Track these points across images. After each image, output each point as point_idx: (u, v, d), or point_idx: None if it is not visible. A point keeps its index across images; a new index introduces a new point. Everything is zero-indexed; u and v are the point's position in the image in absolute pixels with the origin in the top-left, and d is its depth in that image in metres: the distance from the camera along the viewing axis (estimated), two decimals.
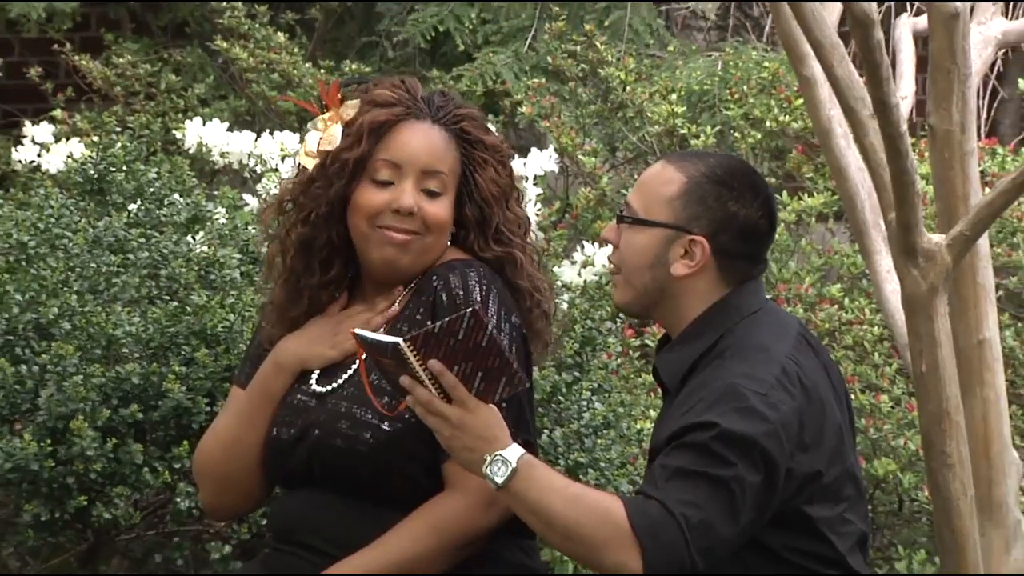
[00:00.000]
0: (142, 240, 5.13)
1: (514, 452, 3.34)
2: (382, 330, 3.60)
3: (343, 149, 3.70)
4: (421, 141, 3.69)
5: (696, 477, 3.39)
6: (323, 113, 3.77)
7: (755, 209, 3.71)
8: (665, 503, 3.36)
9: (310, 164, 3.73)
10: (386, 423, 3.58)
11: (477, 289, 3.61)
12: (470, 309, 3.34)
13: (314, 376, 3.71)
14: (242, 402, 3.76)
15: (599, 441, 4.99)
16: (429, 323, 3.44)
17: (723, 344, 3.60)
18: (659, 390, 3.86)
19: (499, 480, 3.33)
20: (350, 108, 3.73)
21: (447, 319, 3.31)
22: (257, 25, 7.61)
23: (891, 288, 5.41)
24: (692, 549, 3.36)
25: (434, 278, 3.65)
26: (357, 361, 3.60)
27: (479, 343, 3.30)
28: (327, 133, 3.73)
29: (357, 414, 3.62)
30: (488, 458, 3.33)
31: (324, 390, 3.69)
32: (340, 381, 3.69)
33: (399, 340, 3.28)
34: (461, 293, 3.60)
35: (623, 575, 3.36)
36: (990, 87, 7.44)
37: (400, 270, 3.69)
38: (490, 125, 3.83)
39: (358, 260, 3.74)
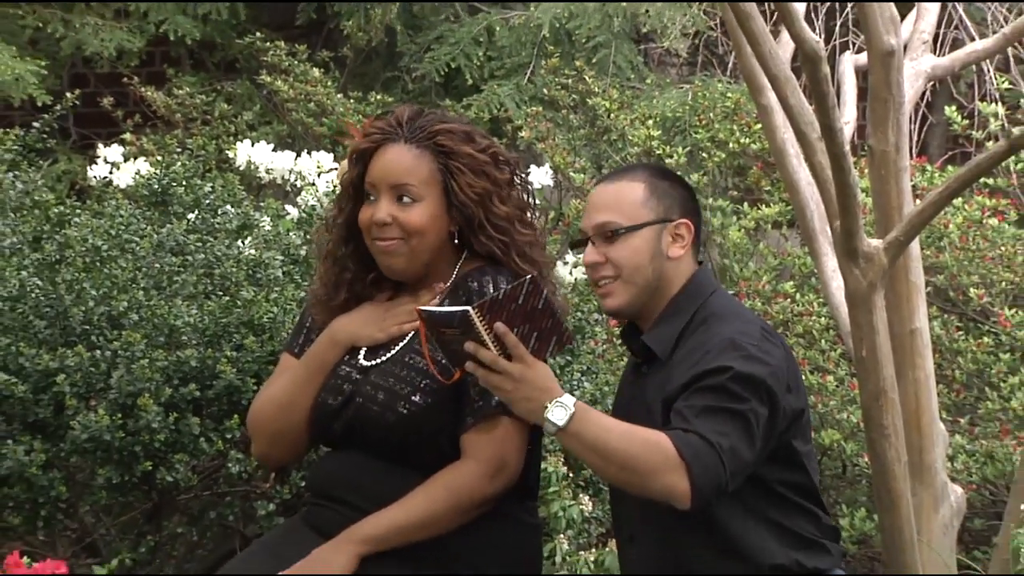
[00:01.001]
0: (199, 244, 5.15)
1: (570, 398, 3.34)
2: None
3: (345, 176, 3.77)
4: (390, 160, 3.70)
5: (721, 412, 3.45)
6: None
7: (687, 189, 3.84)
8: (702, 434, 3.39)
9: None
10: (418, 396, 3.60)
11: (505, 284, 3.60)
12: (529, 276, 3.36)
13: (362, 352, 3.73)
14: (298, 369, 3.78)
15: None
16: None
17: (701, 315, 3.66)
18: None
19: (560, 423, 3.33)
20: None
21: (509, 286, 3.36)
22: (296, 62, 7.62)
23: (836, 285, 5.44)
24: (727, 471, 3.41)
25: (469, 279, 3.68)
26: (402, 342, 3.67)
27: (536, 307, 3.32)
28: (342, 164, 3.79)
29: (395, 388, 3.65)
30: (549, 405, 3.32)
31: (369, 364, 3.71)
32: (384, 358, 3.71)
33: (468, 308, 3.28)
34: (490, 288, 3.63)
35: (673, 495, 3.38)
36: (920, 114, 7.44)
37: (399, 272, 3.72)
38: (480, 137, 3.80)
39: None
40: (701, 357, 3.54)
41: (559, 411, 3.33)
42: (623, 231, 3.68)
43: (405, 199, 3.68)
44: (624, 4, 7.91)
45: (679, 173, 4.18)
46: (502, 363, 3.31)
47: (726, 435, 3.42)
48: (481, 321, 3.27)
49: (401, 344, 3.69)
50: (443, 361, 3.41)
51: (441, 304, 3.62)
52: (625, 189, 3.73)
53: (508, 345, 3.30)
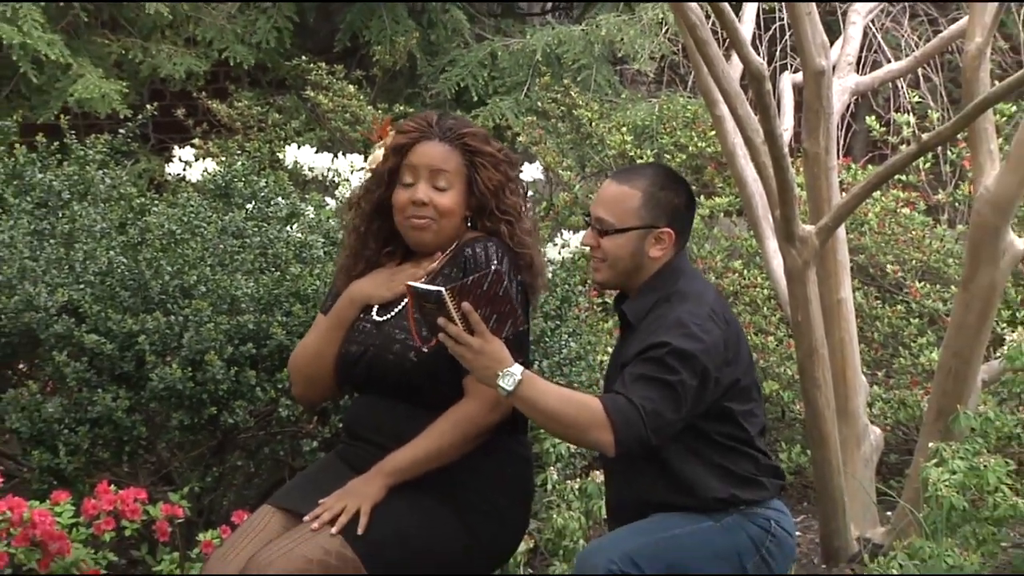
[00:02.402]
0: (255, 229, 5.13)
1: (518, 368, 3.41)
2: (423, 280, 3.63)
3: (380, 165, 3.77)
4: (430, 151, 3.71)
5: (653, 380, 3.47)
6: (379, 137, 3.83)
7: (685, 194, 3.79)
8: (629, 397, 3.44)
9: (369, 173, 3.81)
10: (425, 347, 3.59)
11: (495, 255, 3.65)
12: (494, 268, 3.45)
13: (375, 309, 3.74)
14: (323, 324, 3.81)
15: (573, 369, 5.02)
16: (464, 277, 3.51)
17: (669, 292, 3.66)
18: (615, 332, 3.91)
19: (509, 388, 3.40)
20: (391, 137, 3.79)
21: (477, 275, 3.40)
22: (335, 80, 7.61)
23: (777, 263, 5.45)
24: (648, 429, 3.43)
25: (466, 248, 3.68)
26: (406, 303, 3.65)
27: (497, 293, 3.38)
28: (374, 154, 3.79)
29: (405, 339, 3.65)
30: (501, 373, 3.39)
31: (381, 319, 3.72)
32: (393, 313, 3.71)
33: (442, 289, 3.35)
34: (483, 257, 3.64)
35: (599, 446, 3.46)
36: (846, 122, 7.43)
37: (427, 245, 3.73)
38: (494, 141, 3.84)
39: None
40: (654, 331, 3.57)
41: (508, 379, 3.40)
42: (612, 231, 3.71)
43: (440, 184, 3.70)
44: (603, 33, 7.89)
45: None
46: (465, 336, 3.38)
47: (652, 400, 3.45)
48: (452, 301, 3.35)
49: (406, 302, 3.68)
50: (424, 333, 3.49)
51: (440, 269, 3.66)
52: (626, 194, 3.74)
53: (472, 322, 3.37)
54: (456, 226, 3.74)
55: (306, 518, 3.57)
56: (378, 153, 3.80)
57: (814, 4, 5.20)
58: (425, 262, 3.73)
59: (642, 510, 3.66)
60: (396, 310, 3.71)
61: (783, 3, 5.75)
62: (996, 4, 5.00)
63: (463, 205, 3.74)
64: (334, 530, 3.51)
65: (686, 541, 3.56)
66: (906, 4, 8.24)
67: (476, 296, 3.38)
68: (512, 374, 3.41)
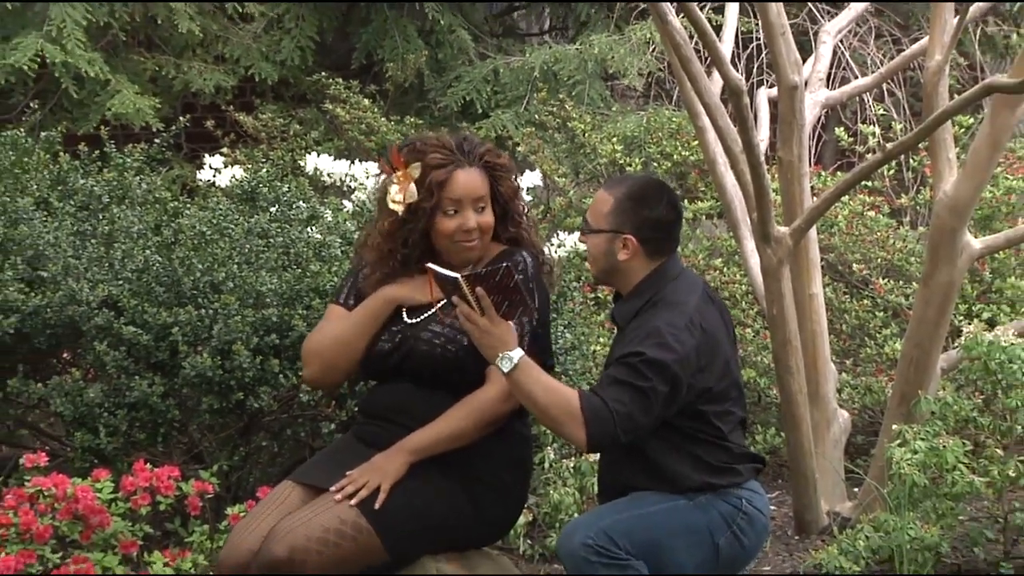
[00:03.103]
0: (278, 230, 5.12)
1: (518, 353, 3.45)
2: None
3: (422, 200, 3.71)
4: (468, 182, 3.71)
5: (626, 385, 3.48)
6: (392, 169, 3.78)
7: (662, 208, 3.75)
8: (605, 399, 3.45)
9: (399, 208, 3.74)
10: (451, 346, 3.63)
11: (526, 265, 3.70)
12: (505, 264, 3.47)
13: (405, 312, 3.74)
14: (355, 317, 3.77)
15: (568, 358, 5.01)
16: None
17: (656, 298, 3.65)
18: (610, 326, 3.92)
19: (506, 369, 3.45)
20: (415, 170, 3.74)
21: (490, 267, 3.47)
22: (351, 94, 7.60)
23: (754, 261, 5.44)
24: (618, 428, 3.45)
25: (507, 255, 3.71)
26: (436, 304, 3.68)
27: (508, 284, 3.43)
28: (408, 191, 3.73)
29: (436, 339, 3.67)
30: (501, 354, 3.44)
31: (413, 321, 3.72)
32: (423, 316, 3.71)
33: (458, 276, 3.43)
34: (523, 260, 3.70)
35: (573, 440, 3.51)
36: (817, 133, 7.42)
37: (473, 261, 3.74)
38: (501, 152, 3.87)
39: (435, 251, 3.76)
40: (633, 338, 3.58)
41: (506, 362, 3.44)
42: (588, 231, 3.74)
43: (480, 207, 3.72)
44: (595, 51, 7.89)
45: (664, 183, 4.10)
46: (474, 316, 3.44)
47: (624, 403, 3.46)
48: (467, 286, 3.41)
49: (439, 306, 3.68)
50: (443, 304, 3.57)
51: (488, 267, 3.65)
52: (603, 199, 3.76)
53: (483, 306, 3.42)
54: (490, 238, 3.78)
55: (332, 488, 3.57)
56: (411, 190, 3.75)
57: (788, 25, 5.20)
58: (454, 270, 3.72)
59: (622, 489, 3.66)
60: (426, 314, 3.71)
61: (760, 24, 5.73)
62: (955, 25, 5.00)
63: (493, 216, 3.77)
64: (353, 502, 3.51)
65: (658, 518, 3.56)
66: (872, 25, 8.23)
67: (489, 285, 3.43)
68: (511, 357, 3.44)
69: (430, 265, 3.50)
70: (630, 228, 3.70)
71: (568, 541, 3.52)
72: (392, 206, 3.76)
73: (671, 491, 3.61)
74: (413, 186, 3.73)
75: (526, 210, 3.86)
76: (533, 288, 3.68)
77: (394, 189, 3.75)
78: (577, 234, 4.01)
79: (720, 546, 3.61)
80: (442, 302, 3.60)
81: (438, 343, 3.65)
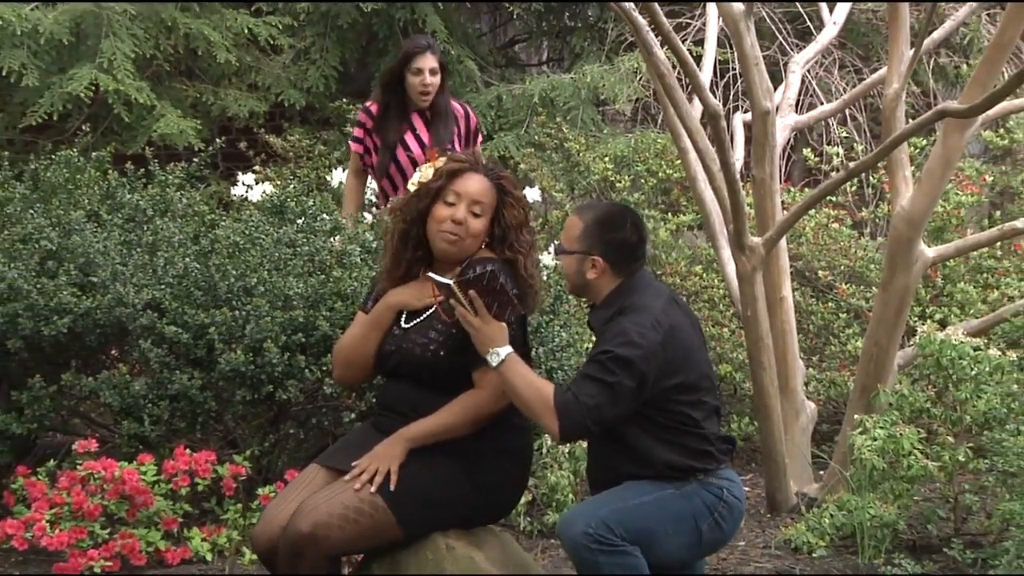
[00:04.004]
0: (304, 240, 5.11)
1: (506, 350, 3.47)
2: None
3: (430, 182, 3.72)
4: (475, 183, 3.68)
5: (595, 380, 3.48)
6: (430, 163, 3.79)
7: (627, 231, 3.71)
8: (576, 394, 3.45)
9: (413, 188, 3.75)
10: (442, 351, 3.61)
11: (493, 268, 3.60)
12: (490, 268, 3.50)
13: (403, 316, 3.71)
14: (366, 323, 3.75)
15: (564, 355, 4.99)
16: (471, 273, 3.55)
17: (624, 306, 3.62)
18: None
19: (493, 364, 3.48)
20: (439, 162, 3.76)
21: (478, 272, 3.50)
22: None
23: (730, 268, 5.43)
24: (588, 420, 3.45)
25: (476, 265, 3.63)
26: (429, 311, 3.66)
27: (495, 287, 3.47)
28: (425, 173, 3.75)
29: (426, 340, 3.64)
30: (491, 350, 3.47)
31: (407, 326, 3.69)
32: (417, 321, 3.68)
33: (451, 282, 3.48)
34: (485, 270, 3.58)
35: (548, 431, 3.53)
36: (787, 153, 7.42)
37: (449, 256, 3.68)
38: (518, 186, 3.82)
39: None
40: (604, 339, 3.56)
41: (494, 357, 3.47)
42: (561, 251, 3.75)
43: (476, 211, 3.67)
44: (588, 80, 7.87)
45: (630, 208, 4.08)
46: (468, 316, 3.47)
47: (593, 397, 3.45)
48: (460, 290, 3.46)
49: (428, 313, 3.67)
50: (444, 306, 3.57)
51: (464, 271, 3.63)
52: (575, 223, 3.74)
53: (476, 307, 3.46)
54: (476, 246, 3.71)
55: (346, 478, 3.56)
56: (428, 172, 3.76)
57: (760, 56, 5.19)
58: (448, 274, 3.69)
59: (614, 478, 3.64)
60: (419, 319, 3.68)
61: (736, 55, 5.72)
62: (910, 56, 4.98)
63: (487, 231, 3.72)
64: (372, 489, 3.51)
65: (650, 507, 3.54)
66: (836, 56, 8.22)
67: (480, 288, 3.46)
68: (499, 354, 3.47)
69: (429, 274, 3.53)
70: (598, 250, 3.68)
71: (569, 530, 3.50)
72: (410, 187, 3.77)
73: (656, 477, 3.58)
74: (430, 170, 3.74)
75: (531, 246, 3.80)
76: (508, 284, 3.63)
77: (417, 175, 3.77)
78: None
79: (703, 531, 3.60)
80: (441, 302, 3.60)
81: (428, 347, 3.64)
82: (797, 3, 7.84)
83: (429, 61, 5.78)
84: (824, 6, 6.31)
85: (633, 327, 3.53)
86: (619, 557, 3.43)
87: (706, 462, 3.63)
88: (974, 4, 6.10)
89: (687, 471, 3.59)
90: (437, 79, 5.82)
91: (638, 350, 3.49)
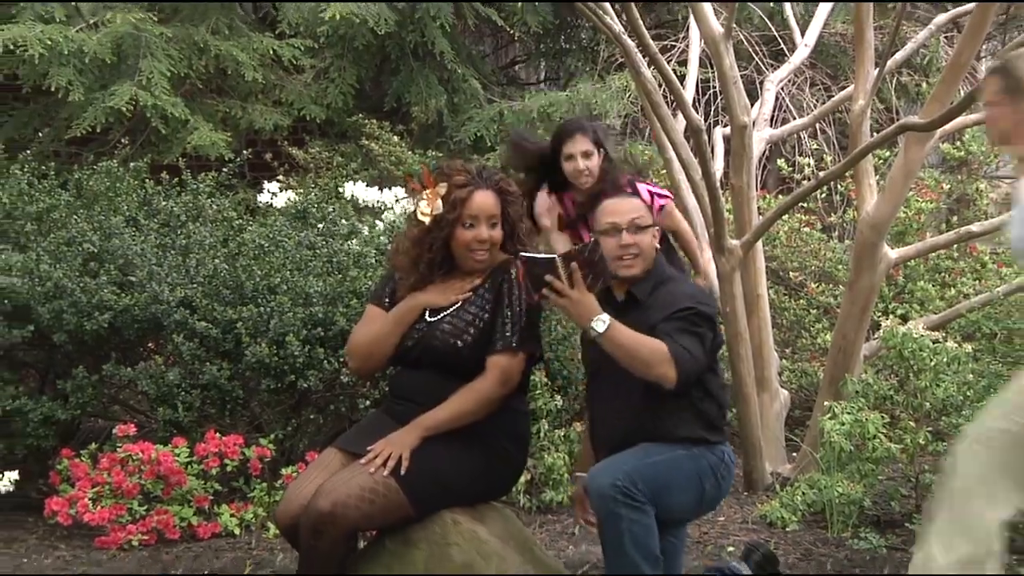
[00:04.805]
0: (324, 243, 5.12)
1: (607, 316, 3.33)
2: (467, 291, 3.59)
3: (446, 214, 3.65)
4: (486, 202, 3.63)
5: (690, 333, 3.41)
6: (423, 187, 3.73)
7: None
8: (683, 344, 3.37)
9: (427, 220, 3.66)
10: (459, 341, 3.56)
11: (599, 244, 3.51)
12: (593, 239, 3.38)
13: (427, 312, 3.66)
14: (390, 321, 3.67)
15: (560, 347, 4.97)
16: (504, 288, 3.51)
17: (662, 278, 3.59)
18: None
19: (600, 330, 3.31)
20: (442, 188, 3.70)
21: (580, 245, 3.36)
22: (383, 131, 7.58)
23: (711, 268, 5.41)
24: (696, 367, 3.40)
25: (502, 271, 3.61)
26: (454, 307, 3.59)
27: (593, 259, 3.30)
28: (435, 205, 3.68)
29: (446, 334, 3.59)
30: (594, 318, 3.30)
31: (432, 320, 3.63)
32: (440, 316, 3.63)
33: (555, 256, 3.31)
34: (592, 242, 3.50)
35: (664, 380, 3.34)
36: (763, 164, 7.40)
37: (482, 268, 3.66)
38: (510, 181, 3.78)
39: (454, 259, 3.68)
40: (673, 301, 3.48)
41: (599, 324, 3.30)
42: (644, 227, 3.61)
43: (492, 223, 3.64)
44: (582, 96, 7.85)
45: None
46: (567, 290, 3.29)
47: (693, 348, 3.39)
48: (563, 265, 3.28)
49: (453, 308, 3.64)
50: (529, 289, 3.36)
51: (483, 283, 3.57)
52: (639, 202, 3.69)
53: (574, 280, 3.29)
54: (499, 251, 3.69)
55: (362, 462, 3.54)
56: (436, 202, 3.70)
57: (738, 75, 5.17)
58: (468, 278, 3.66)
59: (629, 440, 3.55)
60: (442, 314, 3.64)
61: (716, 74, 5.70)
62: (875, 75, 4.97)
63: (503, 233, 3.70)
64: (385, 472, 3.49)
65: (663, 466, 3.47)
66: (807, 75, 8.20)
67: (579, 261, 3.31)
68: (604, 320, 3.31)
69: (524, 253, 3.39)
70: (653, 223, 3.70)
71: (597, 481, 3.41)
72: (421, 217, 3.71)
73: (671, 442, 3.51)
74: (440, 201, 3.70)
75: (529, 231, 3.79)
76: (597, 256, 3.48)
77: (423, 204, 3.72)
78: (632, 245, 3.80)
79: (706, 490, 3.55)
80: (464, 297, 3.53)
81: (449, 336, 3.61)
82: (771, 26, 7.82)
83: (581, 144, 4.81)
84: (797, 29, 6.29)
85: (694, 289, 3.56)
86: (638, 514, 3.39)
87: (716, 436, 3.57)
88: (933, 27, 6.07)
89: (699, 442, 3.54)
90: (593, 162, 4.81)
91: (711, 309, 3.51)
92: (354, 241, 5.26)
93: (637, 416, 3.54)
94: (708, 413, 3.56)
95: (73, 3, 6.95)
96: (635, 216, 3.60)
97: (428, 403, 3.60)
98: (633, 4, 4.93)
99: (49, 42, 6.50)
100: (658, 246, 3.69)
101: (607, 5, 5.19)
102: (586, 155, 4.75)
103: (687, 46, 6.60)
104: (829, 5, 6.14)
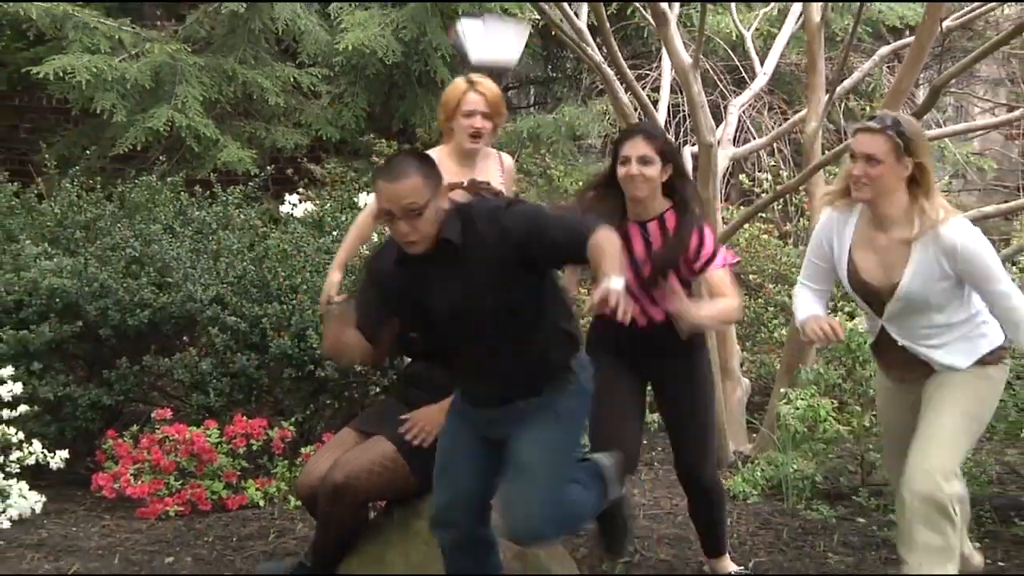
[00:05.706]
0: (339, 248, 5.10)
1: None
2: None
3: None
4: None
5: (554, 227, 2.88)
6: None
7: None
8: (564, 227, 2.86)
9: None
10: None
11: None
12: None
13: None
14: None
15: None
16: None
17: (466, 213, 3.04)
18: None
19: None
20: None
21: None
22: (391, 149, 7.59)
23: None
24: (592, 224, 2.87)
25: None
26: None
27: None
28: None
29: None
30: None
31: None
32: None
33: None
34: None
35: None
36: (727, 178, 7.41)
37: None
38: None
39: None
40: (504, 232, 2.92)
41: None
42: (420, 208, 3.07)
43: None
44: (567, 119, 7.86)
45: None
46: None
47: (572, 226, 2.89)
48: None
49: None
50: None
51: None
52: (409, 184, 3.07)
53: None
54: None
55: (401, 429, 3.50)
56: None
57: (705, 100, 5.19)
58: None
59: (514, 399, 3.01)
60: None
61: (685, 99, 5.72)
62: (826, 100, 4.99)
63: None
64: (416, 442, 3.47)
65: (570, 426, 3.05)
66: (766, 100, 8.22)
67: None
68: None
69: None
70: None
71: (542, 533, 3.01)
72: None
73: (551, 380, 2.99)
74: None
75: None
76: None
77: None
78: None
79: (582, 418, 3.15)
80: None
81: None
82: (735, 57, 7.84)
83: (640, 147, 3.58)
84: (757, 59, 6.31)
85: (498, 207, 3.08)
86: (587, 472, 3.22)
87: (575, 345, 3.10)
88: (877, 58, 6.11)
89: (566, 367, 3.05)
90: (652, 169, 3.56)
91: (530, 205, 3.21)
92: (365, 247, 5.26)
93: (516, 365, 2.98)
94: (566, 327, 3.04)
95: (117, 36, 6.96)
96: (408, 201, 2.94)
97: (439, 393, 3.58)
98: (612, 38, 4.95)
99: (95, 70, 6.52)
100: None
101: (588, 37, 5.21)
102: (643, 160, 3.51)
103: (659, 74, 6.62)
104: (785, 39, 6.16)
